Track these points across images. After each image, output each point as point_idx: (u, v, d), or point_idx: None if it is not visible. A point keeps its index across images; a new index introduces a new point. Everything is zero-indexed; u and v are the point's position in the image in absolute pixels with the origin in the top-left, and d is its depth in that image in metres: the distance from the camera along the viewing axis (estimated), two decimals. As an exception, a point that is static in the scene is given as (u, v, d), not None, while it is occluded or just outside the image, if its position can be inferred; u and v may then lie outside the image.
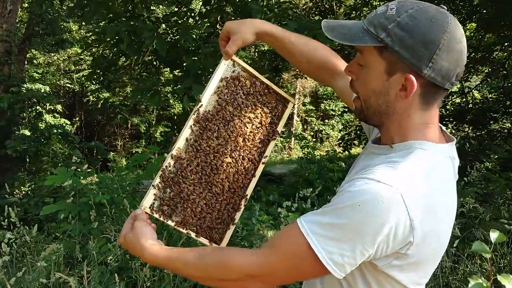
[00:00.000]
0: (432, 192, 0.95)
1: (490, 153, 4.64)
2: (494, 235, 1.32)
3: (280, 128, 1.40)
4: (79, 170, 4.83)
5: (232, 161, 1.31)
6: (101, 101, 9.11)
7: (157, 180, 1.23)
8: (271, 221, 3.36)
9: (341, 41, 0.98)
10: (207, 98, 1.28)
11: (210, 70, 4.12)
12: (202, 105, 1.27)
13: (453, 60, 0.95)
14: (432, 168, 0.97)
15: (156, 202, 1.23)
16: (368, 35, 0.96)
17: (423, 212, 0.92)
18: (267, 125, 1.37)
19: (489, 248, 1.35)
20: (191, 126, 1.26)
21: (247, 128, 1.33)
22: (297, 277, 1.04)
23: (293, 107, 1.61)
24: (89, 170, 4.98)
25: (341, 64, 1.35)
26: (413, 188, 0.92)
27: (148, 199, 1.22)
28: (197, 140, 1.27)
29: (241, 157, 1.32)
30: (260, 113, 1.35)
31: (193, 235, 1.28)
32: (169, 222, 1.25)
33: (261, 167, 1.37)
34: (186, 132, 1.26)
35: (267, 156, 1.37)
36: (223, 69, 1.30)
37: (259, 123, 1.35)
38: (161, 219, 1.24)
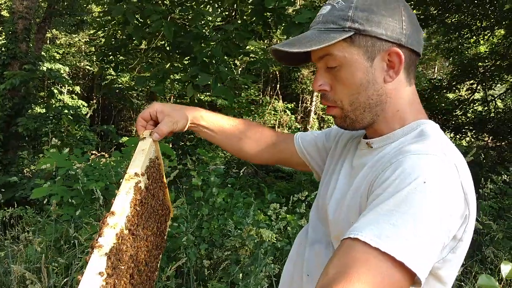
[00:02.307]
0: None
1: (509, 165, 4.35)
2: (506, 269, 1.08)
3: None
4: (91, 153, 4.73)
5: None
6: (111, 83, 9.02)
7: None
8: (267, 222, 3.19)
9: (309, 49, 0.88)
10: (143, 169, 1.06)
11: (218, 58, 3.94)
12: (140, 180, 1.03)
13: (415, 23, 0.93)
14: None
15: None
16: (332, 33, 0.89)
17: (469, 186, 0.82)
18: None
19: (498, 282, 1.14)
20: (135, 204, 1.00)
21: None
22: None
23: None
24: (96, 154, 4.86)
25: (276, 136, 1.32)
26: (459, 158, 0.84)
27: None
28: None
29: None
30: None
31: None
32: None
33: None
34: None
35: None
36: (151, 148, 1.11)
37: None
38: None
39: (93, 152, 5.02)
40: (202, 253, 2.74)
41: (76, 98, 18.32)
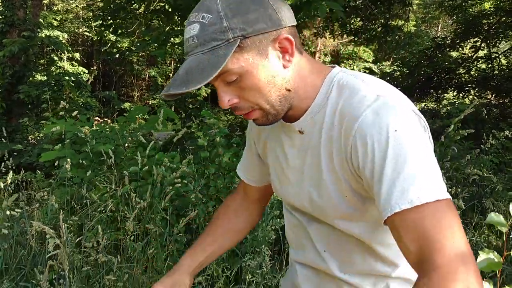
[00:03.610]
0: None
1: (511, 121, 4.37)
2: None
3: None
4: (94, 118, 4.80)
5: None
6: (111, 47, 8.87)
7: None
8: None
9: (210, 78, 0.81)
10: None
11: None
12: None
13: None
14: None
15: None
16: (219, 50, 0.82)
17: (412, 105, 0.90)
18: None
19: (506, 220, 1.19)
20: None
21: None
22: None
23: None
24: (98, 120, 4.91)
25: (239, 205, 1.30)
26: (388, 87, 0.92)
27: None
28: None
29: None
30: None
31: None
32: None
33: None
34: None
35: None
36: None
37: None
38: None
39: (96, 118, 5.07)
40: (210, 210, 2.82)
41: (76, 65, 18.21)
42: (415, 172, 0.77)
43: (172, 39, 5.48)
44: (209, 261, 1.26)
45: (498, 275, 1.16)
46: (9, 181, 3.01)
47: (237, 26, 0.83)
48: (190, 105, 11.08)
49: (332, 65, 0.99)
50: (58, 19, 19.85)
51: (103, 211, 2.70)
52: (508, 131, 4.33)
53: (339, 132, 0.89)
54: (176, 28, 5.26)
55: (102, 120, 5.22)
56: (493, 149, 4.15)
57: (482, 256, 1.17)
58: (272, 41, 0.87)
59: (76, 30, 21.32)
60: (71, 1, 20.04)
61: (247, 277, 2.42)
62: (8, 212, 2.79)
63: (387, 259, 0.99)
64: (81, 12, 21.13)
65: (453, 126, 3.59)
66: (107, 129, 3.79)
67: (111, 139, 3.65)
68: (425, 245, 0.74)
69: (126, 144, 3.63)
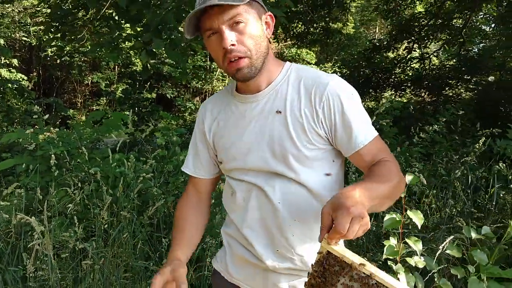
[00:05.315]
0: None
1: (439, 116, 4.90)
2: (409, 178, 1.50)
3: None
4: (37, 127, 4.77)
5: None
6: (55, 51, 8.69)
7: None
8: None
9: (239, 3, 1.15)
10: None
11: (171, 25, 4.10)
12: None
13: None
14: None
15: None
16: None
17: None
18: None
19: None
20: None
21: None
22: None
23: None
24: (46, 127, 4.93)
25: (197, 199, 1.48)
26: None
27: None
28: None
29: None
30: None
31: None
32: None
33: None
34: None
35: None
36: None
37: None
38: None
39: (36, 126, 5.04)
40: (169, 205, 3.02)
41: (14, 71, 17.51)
42: (366, 119, 1.24)
43: (120, 44, 5.58)
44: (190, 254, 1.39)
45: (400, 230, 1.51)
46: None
47: None
48: (142, 109, 11.08)
49: None
50: (-7, 24, 18.99)
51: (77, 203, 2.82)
52: (436, 126, 4.82)
53: (308, 95, 1.23)
54: (124, 34, 5.35)
55: (46, 128, 5.20)
56: (422, 142, 4.62)
57: (387, 216, 1.52)
58: (264, 14, 1.25)
59: (12, 35, 20.46)
60: (6, 6, 19.20)
61: (207, 259, 2.63)
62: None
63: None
64: (16, 16, 20.31)
65: (385, 124, 4.20)
66: (64, 135, 3.87)
67: (68, 143, 3.74)
68: (377, 156, 1.22)
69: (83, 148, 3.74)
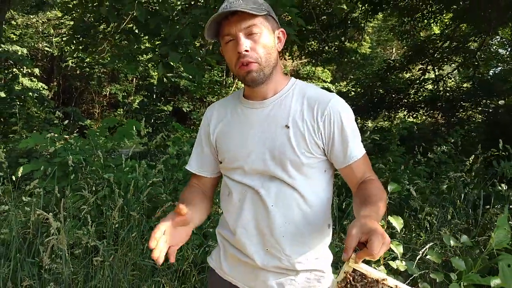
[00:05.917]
0: None
1: (447, 137, 5.01)
2: (391, 187, 1.61)
3: None
4: (54, 134, 4.96)
5: None
6: (76, 60, 8.96)
7: None
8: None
9: (260, 13, 1.31)
10: None
11: (187, 40, 4.28)
12: None
13: None
14: None
15: None
16: (257, 10, 1.31)
17: None
18: None
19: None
20: None
21: None
22: None
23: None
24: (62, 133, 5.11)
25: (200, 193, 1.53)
26: None
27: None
28: None
29: None
30: None
31: None
32: None
33: None
34: None
35: None
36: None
37: None
38: None
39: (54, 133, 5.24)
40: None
41: (36, 80, 17.94)
42: (359, 137, 1.38)
43: (138, 57, 5.79)
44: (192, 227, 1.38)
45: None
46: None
47: (267, 8, 1.37)
48: (157, 121, 11.31)
49: None
50: (17, 34, 19.54)
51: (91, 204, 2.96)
52: (445, 147, 4.91)
53: (311, 108, 1.36)
54: (143, 47, 5.55)
55: (68, 136, 5.38)
56: (429, 161, 4.72)
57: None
58: (277, 29, 1.40)
59: (36, 45, 21.00)
60: (31, 16, 19.78)
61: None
62: None
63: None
64: (40, 27, 20.87)
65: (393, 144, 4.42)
66: (80, 142, 4.04)
67: (82, 152, 3.90)
68: (365, 174, 1.38)
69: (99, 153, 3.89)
